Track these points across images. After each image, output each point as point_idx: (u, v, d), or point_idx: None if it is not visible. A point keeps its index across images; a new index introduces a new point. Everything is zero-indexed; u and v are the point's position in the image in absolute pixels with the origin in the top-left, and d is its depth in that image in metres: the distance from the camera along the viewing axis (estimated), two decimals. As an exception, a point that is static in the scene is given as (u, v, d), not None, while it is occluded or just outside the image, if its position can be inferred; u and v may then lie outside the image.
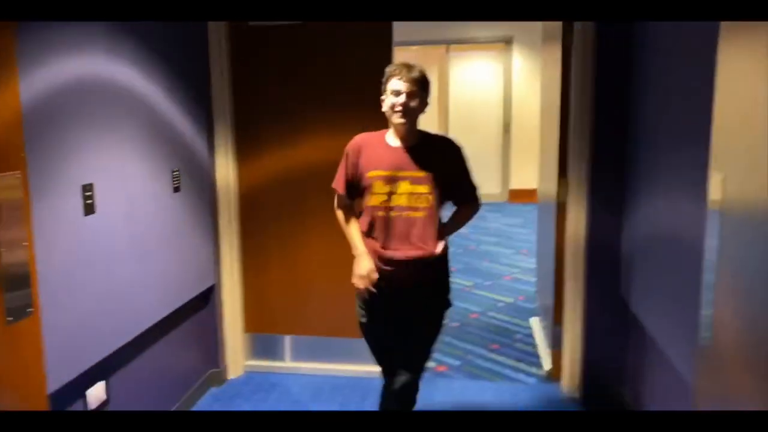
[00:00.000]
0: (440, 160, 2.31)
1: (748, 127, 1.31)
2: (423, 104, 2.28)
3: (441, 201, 2.32)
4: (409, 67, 2.24)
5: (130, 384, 2.61)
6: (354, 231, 2.37)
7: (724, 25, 1.43)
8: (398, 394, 2.37)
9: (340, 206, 2.44)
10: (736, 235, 1.38)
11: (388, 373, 2.42)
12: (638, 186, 2.69)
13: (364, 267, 2.30)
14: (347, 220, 2.41)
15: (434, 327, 2.41)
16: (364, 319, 2.44)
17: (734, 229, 1.39)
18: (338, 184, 2.39)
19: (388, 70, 2.27)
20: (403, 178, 2.26)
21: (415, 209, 2.27)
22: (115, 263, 2.41)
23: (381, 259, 2.31)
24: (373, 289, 2.30)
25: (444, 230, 2.37)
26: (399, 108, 2.21)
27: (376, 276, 2.30)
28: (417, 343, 2.39)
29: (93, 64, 2.26)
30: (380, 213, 2.28)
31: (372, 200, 2.29)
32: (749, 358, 1.31)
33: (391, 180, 2.26)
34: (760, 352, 1.27)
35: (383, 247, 2.30)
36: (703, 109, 1.72)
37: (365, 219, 2.34)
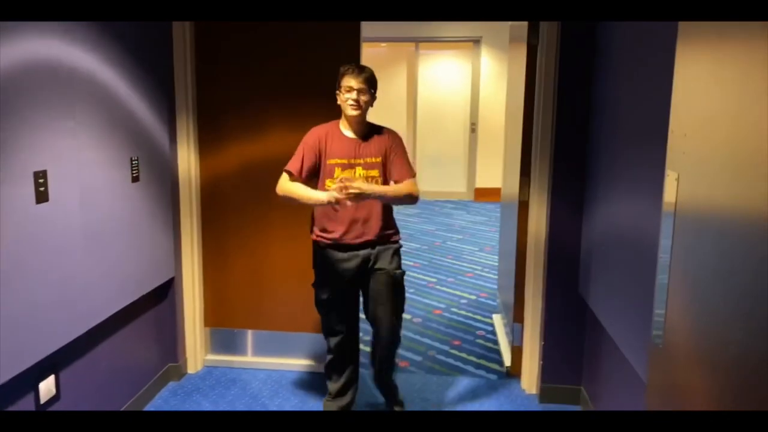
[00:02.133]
0: (386, 148, 2.70)
1: (703, 130, 1.34)
2: (372, 99, 2.68)
3: (386, 183, 2.70)
4: (360, 67, 2.64)
5: (84, 378, 2.55)
6: (306, 188, 2.61)
7: (682, 28, 1.45)
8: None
9: (283, 182, 2.65)
10: (688, 236, 1.41)
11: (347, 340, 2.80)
12: (598, 186, 2.73)
13: (325, 194, 2.52)
14: (295, 185, 2.62)
15: (397, 289, 2.76)
16: (325, 296, 2.73)
17: (686, 230, 1.42)
18: (292, 166, 2.66)
19: (343, 69, 2.65)
20: (358, 165, 2.65)
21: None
22: (68, 253, 2.34)
23: (340, 237, 2.65)
24: (341, 195, 2.46)
25: (390, 187, 2.68)
26: (352, 102, 2.60)
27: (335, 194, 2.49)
28: (386, 305, 2.74)
29: (49, 47, 2.18)
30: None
31: (332, 184, 2.58)
32: (699, 357, 1.34)
33: (348, 166, 2.65)
34: (708, 352, 1.30)
35: (341, 225, 2.64)
36: (660, 110, 1.75)
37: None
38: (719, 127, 1.26)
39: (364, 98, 2.60)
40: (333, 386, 2.89)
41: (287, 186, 2.63)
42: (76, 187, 2.37)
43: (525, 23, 3.16)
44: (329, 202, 2.48)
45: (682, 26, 1.45)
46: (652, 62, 2.03)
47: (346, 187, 2.44)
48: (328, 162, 2.65)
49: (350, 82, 2.59)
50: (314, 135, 2.68)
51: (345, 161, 2.64)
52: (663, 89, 1.68)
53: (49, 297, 2.22)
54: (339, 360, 2.85)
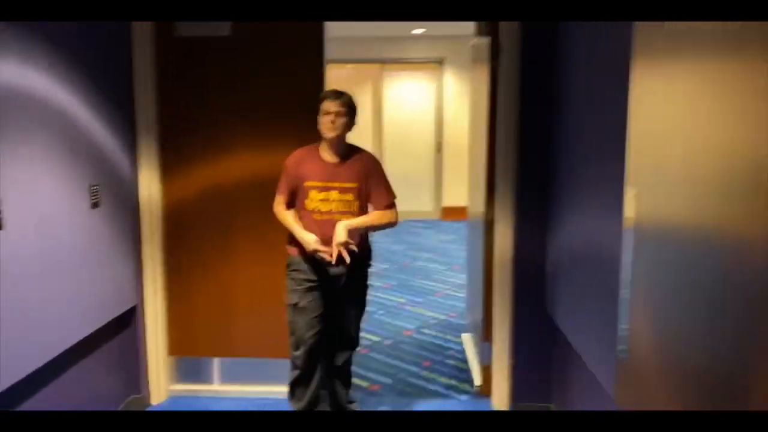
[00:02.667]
0: (364, 173, 2.80)
1: (659, 146, 1.37)
2: (350, 123, 2.78)
3: (364, 207, 2.83)
4: (338, 92, 2.76)
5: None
6: (298, 224, 2.79)
7: (636, 46, 1.49)
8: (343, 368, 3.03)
9: (280, 207, 2.85)
10: (648, 251, 1.43)
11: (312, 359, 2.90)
12: (561, 203, 2.77)
13: (312, 239, 2.71)
14: (289, 216, 2.82)
15: (360, 306, 2.97)
16: (296, 302, 2.83)
17: (647, 246, 1.44)
18: (280, 190, 2.84)
19: (322, 95, 2.78)
20: (334, 188, 2.75)
21: (343, 213, 2.75)
22: (24, 283, 2.25)
23: (314, 253, 2.74)
24: (324, 248, 2.67)
25: (366, 217, 2.82)
26: (329, 125, 2.70)
27: (318, 245, 2.69)
28: (351, 320, 2.95)
29: (3, 70, 2.13)
30: (315, 216, 2.76)
31: (309, 205, 2.77)
32: (663, 369, 1.36)
33: (324, 189, 2.76)
34: (673, 364, 1.31)
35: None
36: (618, 126, 1.79)
37: (303, 220, 2.79)
38: (676, 141, 1.28)
39: (340, 120, 2.70)
40: (297, 404, 2.95)
41: (282, 215, 2.83)
42: (32, 214, 2.30)
43: (486, 43, 3.21)
44: (311, 250, 2.69)
45: (638, 40, 1.49)
46: (610, 77, 2.08)
47: (346, 247, 2.65)
48: (304, 185, 2.77)
49: (328, 106, 2.71)
50: (293, 159, 2.81)
51: (321, 184, 2.76)
52: (620, 108, 1.72)
53: (4, 329, 2.13)
54: (305, 375, 2.91)
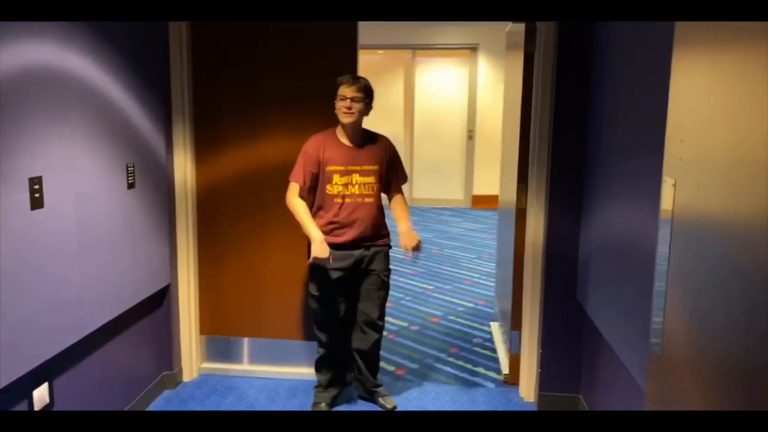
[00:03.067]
0: (383, 156, 2.89)
1: (700, 135, 1.33)
2: (367, 108, 2.83)
3: (383, 189, 2.94)
4: (355, 78, 2.81)
5: (78, 386, 2.52)
6: (309, 218, 2.80)
7: (678, 33, 1.45)
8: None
9: (293, 196, 2.83)
10: (685, 243, 1.40)
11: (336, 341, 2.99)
12: (596, 193, 2.73)
13: (324, 250, 2.72)
14: (302, 208, 2.82)
15: (384, 289, 2.98)
16: (317, 293, 2.89)
17: (684, 237, 1.41)
18: (297, 177, 2.82)
19: (339, 80, 2.80)
20: (356, 172, 2.81)
21: (365, 196, 2.83)
22: (63, 260, 2.32)
23: (336, 237, 2.81)
24: (331, 261, 2.74)
25: (405, 215, 2.99)
26: (345, 110, 2.76)
27: (329, 257, 2.74)
28: (374, 302, 2.96)
29: (44, 52, 2.18)
30: (338, 200, 2.80)
31: (332, 190, 2.80)
32: (697, 364, 1.33)
33: (346, 173, 2.80)
34: (707, 359, 1.29)
35: (339, 227, 2.82)
36: (657, 116, 1.75)
37: (326, 205, 2.83)
38: (716, 132, 1.25)
39: (357, 106, 2.75)
40: (323, 378, 3.07)
41: (294, 206, 2.82)
42: (71, 193, 2.36)
43: (522, 29, 3.17)
44: (313, 258, 2.72)
45: (678, 31, 1.45)
46: (649, 68, 2.03)
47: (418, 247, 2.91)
48: (327, 169, 2.80)
49: (344, 91, 2.75)
50: (313, 144, 2.82)
51: (343, 168, 2.80)
52: (660, 95, 1.68)
53: (43, 304, 2.20)
54: (329, 355, 3.03)
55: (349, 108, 2.74)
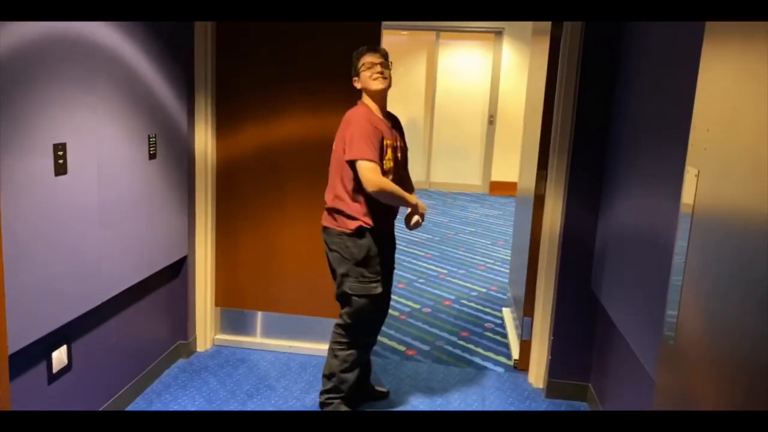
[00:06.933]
0: (400, 131, 2.78)
1: (727, 125, 1.32)
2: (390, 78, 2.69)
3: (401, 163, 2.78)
4: (375, 46, 2.69)
5: (96, 350, 2.58)
6: (400, 189, 2.62)
7: (709, 25, 1.43)
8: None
9: (380, 176, 2.52)
10: (705, 238, 1.39)
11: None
12: (616, 183, 2.70)
13: (423, 206, 2.76)
14: (394, 184, 2.59)
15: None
16: (378, 280, 2.67)
17: (704, 232, 1.40)
18: (370, 154, 2.51)
19: (358, 51, 2.66)
20: (394, 146, 2.66)
21: (396, 173, 2.67)
22: (85, 226, 2.36)
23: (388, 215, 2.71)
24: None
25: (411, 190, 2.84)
26: (377, 75, 2.60)
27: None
28: (391, 283, 2.88)
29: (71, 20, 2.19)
30: (390, 176, 2.62)
31: (386, 164, 2.61)
32: (711, 358, 1.33)
33: (393, 148, 2.65)
34: (721, 353, 1.28)
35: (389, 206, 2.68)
36: (683, 110, 1.73)
37: None
38: (744, 124, 1.23)
39: (387, 71, 2.63)
40: (351, 376, 2.75)
41: (390, 186, 2.54)
42: (94, 161, 2.39)
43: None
44: (416, 222, 2.76)
45: (709, 23, 1.43)
46: (677, 57, 2.00)
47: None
48: (385, 143, 2.60)
49: (371, 58, 2.61)
50: (365, 117, 2.57)
51: (391, 142, 2.63)
52: (687, 85, 1.65)
53: (64, 268, 2.25)
54: (359, 361, 2.77)
55: (381, 73, 2.59)
